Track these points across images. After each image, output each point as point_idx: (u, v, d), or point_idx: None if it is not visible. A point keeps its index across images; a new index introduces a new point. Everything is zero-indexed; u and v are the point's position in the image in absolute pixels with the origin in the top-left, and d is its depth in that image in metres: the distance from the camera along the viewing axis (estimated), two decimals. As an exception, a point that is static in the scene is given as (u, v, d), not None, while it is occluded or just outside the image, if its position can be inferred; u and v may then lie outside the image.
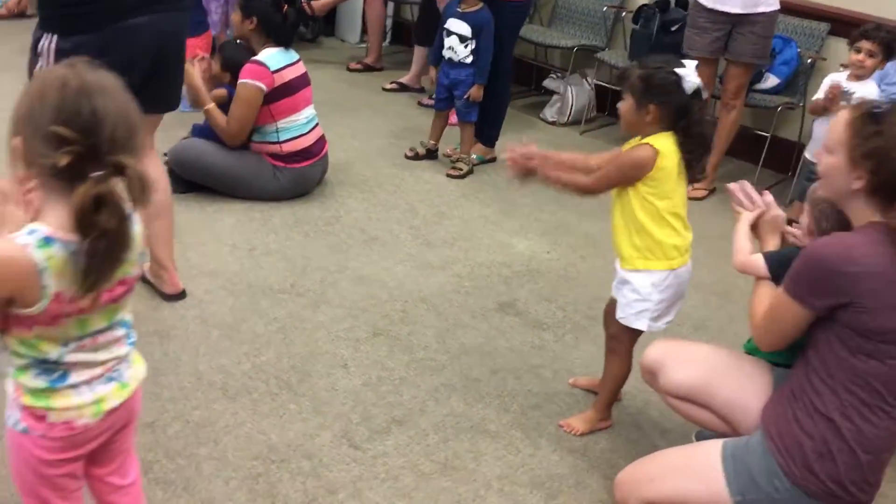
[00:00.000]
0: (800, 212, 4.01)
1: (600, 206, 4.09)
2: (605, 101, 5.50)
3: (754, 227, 2.22)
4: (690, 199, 4.43)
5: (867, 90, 3.72)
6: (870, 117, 1.83)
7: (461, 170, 4.24)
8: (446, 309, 3.05)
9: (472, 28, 3.99)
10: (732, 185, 2.28)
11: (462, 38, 4.03)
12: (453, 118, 4.44)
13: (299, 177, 3.64)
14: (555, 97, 5.33)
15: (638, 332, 2.38)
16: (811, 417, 1.89)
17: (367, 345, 2.77)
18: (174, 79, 2.57)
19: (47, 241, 1.27)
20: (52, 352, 1.36)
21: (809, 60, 4.60)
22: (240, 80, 3.41)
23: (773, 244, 2.20)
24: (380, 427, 2.39)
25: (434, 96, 5.23)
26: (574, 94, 5.27)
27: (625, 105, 2.26)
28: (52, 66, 1.34)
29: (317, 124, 3.71)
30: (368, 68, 5.81)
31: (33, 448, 1.39)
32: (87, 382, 1.40)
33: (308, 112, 3.63)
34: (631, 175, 2.24)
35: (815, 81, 4.63)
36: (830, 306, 1.83)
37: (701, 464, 2.04)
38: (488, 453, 2.35)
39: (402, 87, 5.48)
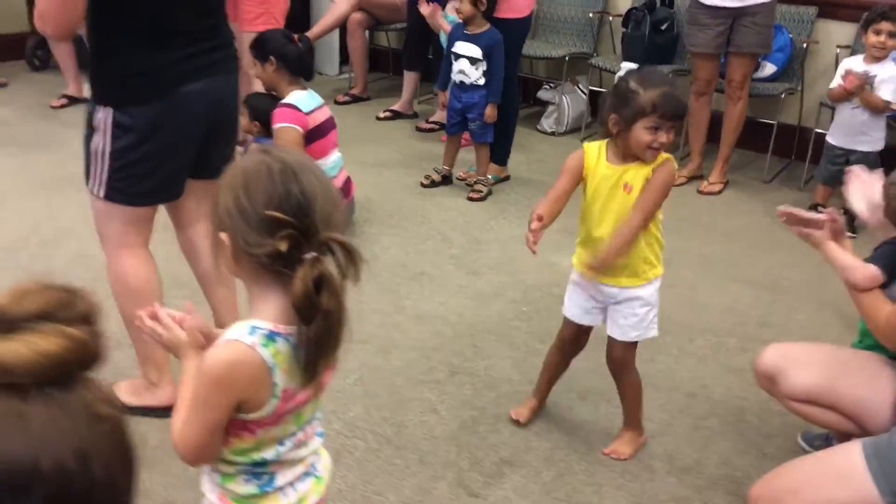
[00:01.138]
0: (824, 195, 4.11)
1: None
2: (597, 107, 5.52)
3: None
4: (706, 193, 4.55)
5: (888, 71, 3.78)
6: None
7: (482, 192, 4.20)
8: (515, 337, 2.99)
9: (483, 49, 3.95)
10: (790, 221, 2.25)
11: (473, 61, 3.99)
12: (463, 140, 4.40)
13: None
14: (550, 107, 5.33)
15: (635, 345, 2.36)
16: (955, 408, 1.88)
17: (449, 385, 2.70)
18: (229, 142, 2.49)
19: (271, 336, 1.20)
20: (270, 452, 1.28)
21: (803, 45, 4.66)
22: (276, 126, 3.31)
23: (848, 250, 2.18)
24: (491, 471, 2.32)
25: (429, 120, 5.23)
26: (569, 102, 5.27)
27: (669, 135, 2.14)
28: (243, 157, 1.28)
29: (342, 166, 3.64)
30: (356, 99, 5.74)
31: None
32: (291, 483, 1.33)
33: (336, 155, 3.56)
34: (667, 194, 2.20)
35: (810, 65, 4.72)
36: None
37: (844, 468, 2.01)
38: (606, 483, 2.30)
39: (396, 115, 5.43)
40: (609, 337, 2.33)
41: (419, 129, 5.22)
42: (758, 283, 3.47)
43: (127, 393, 2.41)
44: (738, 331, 3.11)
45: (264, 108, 3.41)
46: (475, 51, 3.97)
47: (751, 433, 2.55)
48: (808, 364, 2.17)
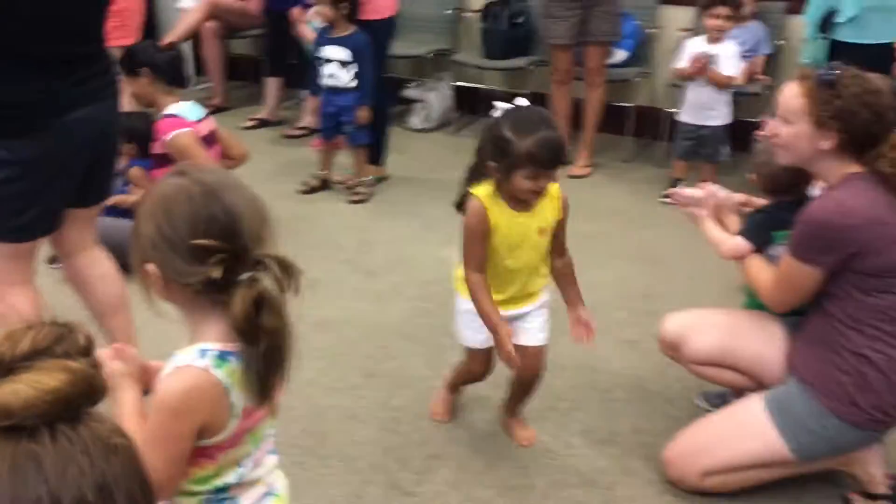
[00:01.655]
0: (682, 170, 4.38)
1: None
2: (462, 100, 5.64)
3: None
4: (574, 177, 4.74)
5: (728, 50, 4.07)
6: (824, 84, 2.02)
7: (363, 194, 4.20)
8: (421, 334, 3.02)
9: (352, 52, 3.95)
10: (677, 202, 2.43)
11: (343, 64, 3.98)
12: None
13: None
14: (418, 105, 5.39)
15: None
16: (843, 357, 2.06)
17: (364, 389, 2.70)
18: (111, 169, 2.40)
19: (222, 356, 1.18)
20: (232, 476, 1.25)
21: (650, 30, 4.94)
22: (168, 137, 3.16)
23: (734, 222, 2.37)
24: (421, 467, 2.35)
25: (296, 126, 5.17)
26: (436, 98, 5.34)
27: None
28: (161, 182, 1.22)
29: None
30: (217, 110, 5.55)
31: None
32: None
33: (220, 168, 3.45)
34: None
35: (656, 50, 5.00)
36: (839, 260, 2.00)
37: (749, 422, 2.18)
38: (531, 464, 2.38)
39: (262, 123, 5.33)
40: (523, 348, 2.21)
41: (287, 136, 5.14)
42: (637, 258, 3.66)
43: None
44: (626, 305, 3.27)
45: (139, 128, 3.26)
46: (344, 53, 3.96)
47: (654, 399, 2.70)
48: (707, 329, 2.32)
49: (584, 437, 2.50)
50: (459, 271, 2.19)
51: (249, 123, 5.29)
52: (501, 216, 2.07)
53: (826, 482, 2.30)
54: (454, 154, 4.96)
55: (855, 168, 2.03)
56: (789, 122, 2.07)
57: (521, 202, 2.06)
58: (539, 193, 2.03)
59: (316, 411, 2.58)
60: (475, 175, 2.12)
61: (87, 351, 0.76)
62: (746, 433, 2.16)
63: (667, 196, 4.23)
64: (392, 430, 2.50)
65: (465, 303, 2.21)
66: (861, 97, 1.97)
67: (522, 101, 2.04)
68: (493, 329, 2.10)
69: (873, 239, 1.97)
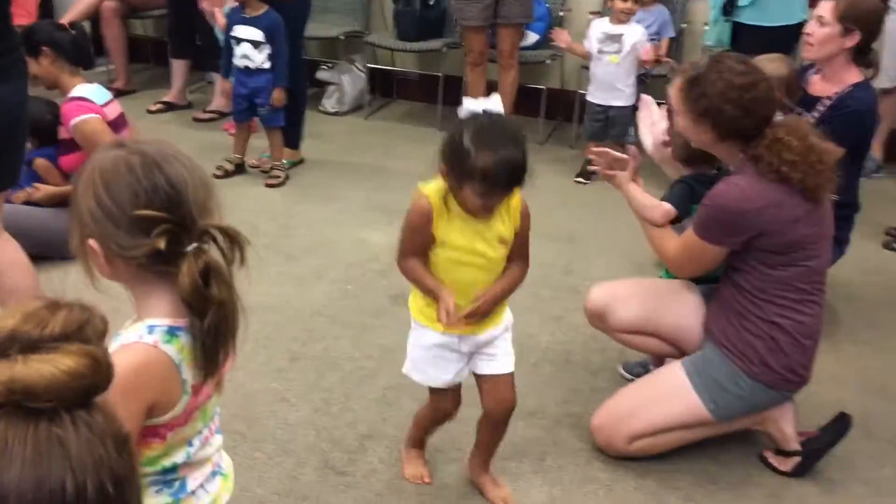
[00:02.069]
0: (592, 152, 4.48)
1: (422, 182, 4.23)
2: (376, 83, 5.61)
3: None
4: None
5: (634, 31, 4.19)
6: (691, 82, 2.12)
7: (279, 177, 4.14)
8: (346, 316, 3.01)
9: (265, 31, 3.87)
10: (597, 167, 2.49)
11: (255, 44, 3.90)
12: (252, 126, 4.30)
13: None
14: (331, 88, 5.33)
15: None
16: (755, 324, 2.17)
17: (292, 372, 2.68)
18: (20, 150, 2.29)
19: (171, 331, 1.15)
20: (180, 455, 1.22)
21: (560, 13, 5.03)
22: (73, 122, 3.02)
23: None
24: (354, 447, 2.35)
25: (206, 109, 5.04)
26: (349, 81, 5.30)
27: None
28: (98, 154, 1.17)
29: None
30: (121, 93, 5.34)
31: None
32: (202, 485, 1.29)
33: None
34: None
35: (568, 31, 5.08)
36: (742, 241, 2.11)
37: (671, 386, 2.27)
38: (462, 437, 2.39)
39: (169, 106, 5.17)
40: (493, 379, 2.03)
41: (197, 120, 5.01)
42: (555, 236, 3.73)
43: None
44: (549, 281, 3.34)
45: (39, 115, 3.08)
46: (257, 34, 3.88)
47: (579, 372, 2.77)
48: (630, 299, 2.40)
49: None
50: (414, 299, 1.99)
51: (155, 107, 5.12)
52: (452, 222, 1.84)
53: (743, 442, 2.41)
54: (368, 137, 4.95)
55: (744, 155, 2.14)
56: (678, 115, 2.18)
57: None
58: (489, 211, 1.82)
59: (245, 396, 2.54)
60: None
61: (103, 337, 0.75)
62: (668, 397, 2.25)
63: (581, 177, 4.35)
64: (323, 412, 2.49)
65: (426, 334, 1.97)
66: (725, 94, 2.05)
67: (495, 104, 1.79)
68: (433, 290, 1.89)
69: (773, 221, 2.08)
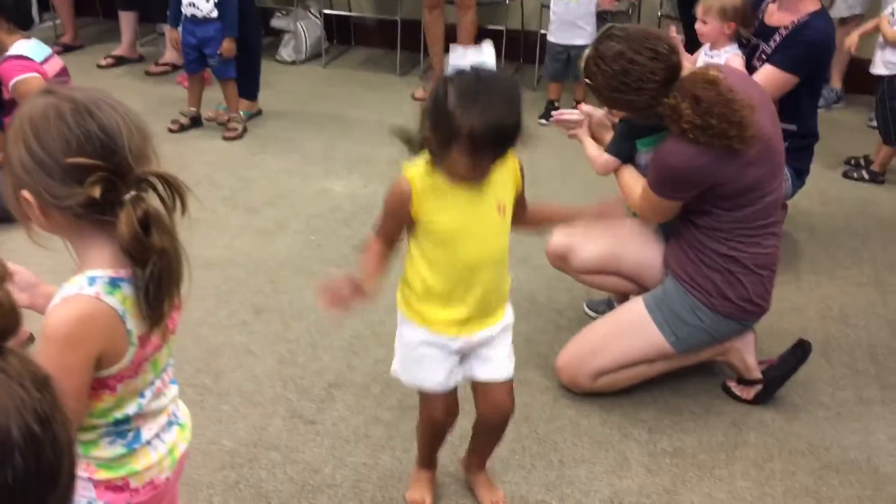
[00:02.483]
0: (556, 91, 4.45)
1: (385, 133, 4.17)
2: (333, 30, 5.50)
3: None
4: (416, 100, 4.73)
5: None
6: (585, 74, 2.17)
7: (237, 129, 4.07)
8: (310, 267, 2.99)
9: (213, -21, 3.76)
10: (555, 122, 2.49)
11: (203, -8, 3.79)
12: (205, 78, 4.20)
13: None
14: (286, 36, 5.22)
15: None
16: (713, 259, 2.19)
17: (257, 324, 2.66)
18: None
19: (113, 282, 1.12)
20: (132, 407, 1.21)
21: (518, -49, 4.93)
22: (13, 82, 2.93)
23: (608, 138, 2.44)
24: (321, 396, 2.35)
25: (159, 62, 4.92)
26: (305, 28, 5.19)
27: None
28: (26, 103, 1.13)
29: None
30: (68, 48, 5.22)
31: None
32: (157, 435, 1.27)
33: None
34: None
35: (528, -29, 5.00)
36: (698, 194, 2.12)
37: (632, 322, 2.29)
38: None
39: (120, 61, 5.04)
40: (489, 385, 1.85)
41: (149, 74, 4.89)
42: (518, 178, 3.72)
43: None
44: (512, 224, 3.33)
45: None
46: (205, -19, 3.77)
47: (545, 312, 2.78)
48: (591, 239, 2.40)
49: (479, 353, 2.56)
50: (402, 288, 1.79)
51: (105, 62, 4.98)
52: (442, 200, 1.64)
53: (705, 374, 2.45)
54: (327, 86, 4.86)
55: None
56: None
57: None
58: (480, 175, 1.63)
59: (209, 350, 2.53)
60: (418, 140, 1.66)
61: (2, 279, 0.72)
62: (630, 332, 2.27)
63: (544, 118, 4.32)
64: (289, 363, 2.49)
65: (414, 331, 1.76)
66: (609, 84, 2.09)
67: (487, 55, 1.55)
68: (361, 275, 1.70)
69: (724, 172, 2.08)
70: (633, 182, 2.30)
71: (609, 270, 2.40)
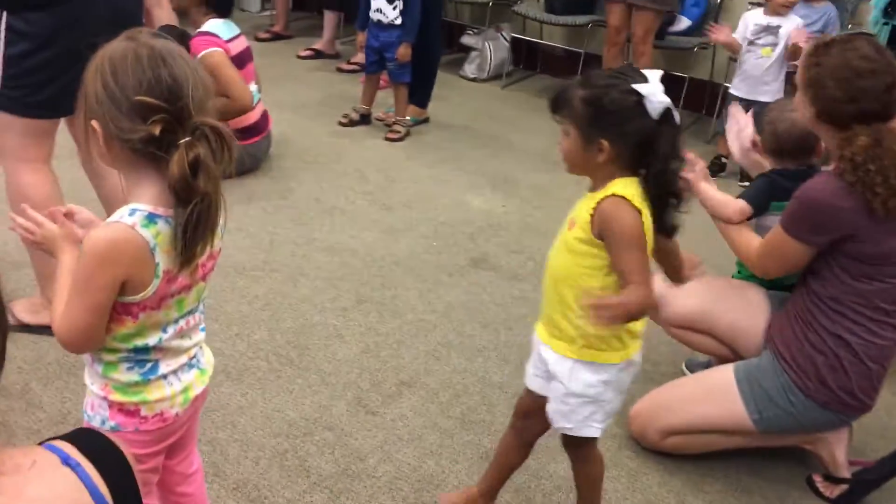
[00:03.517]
0: (725, 148, 4.27)
1: (542, 158, 4.22)
2: (521, 54, 5.59)
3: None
4: None
5: (791, 23, 3.94)
6: (815, 50, 1.95)
7: (399, 132, 4.23)
8: (422, 270, 3.06)
9: (401, -12, 3.96)
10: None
11: (390, 0, 3.98)
12: (383, 81, 4.41)
13: (248, 153, 3.54)
14: (473, 53, 5.36)
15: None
16: (821, 337, 2.02)
17: (355, 312, 2.76)
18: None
19: (151, 217, 1.23)
20: (153, 338, 1.31)
21: (718, 0, 4.80)
22: (200, 55, 3.24)
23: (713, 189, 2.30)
24: (390, 391, 2.40)
25: (351, 61, 5.21)
26: (492, 48, 5.31)
27: (567, 143, 1.59)
28: (110, 44, 1.27)
29: (260, 99, 3.61)
30: (278, 37, 5.66)
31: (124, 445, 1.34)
32: (175, 372, 1.37)
33: (253, 87, 3.52)
34: (631, 242, 1.55)
35: (724, 19, 4.84)
36: (830, 241, 1.95)
37: (716, 388, 2.16)
38: (500, 403, 2.40)
39: (318, 54, 5.39)
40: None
41: (340, 70, 5.19)
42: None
43: (24, 311, 2.40)
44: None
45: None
46: (392, -11, 3.97)
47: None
48: (689, 292, 2.28)
49: (559, 386, 2.51)
50: (579, 323, 1.60)
51: (304, 53, 5.35)
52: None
53: (794, 459, 2.27)
54: (500, 106, 4.95)
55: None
56: (798, 87, 2.02)
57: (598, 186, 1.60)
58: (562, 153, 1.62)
59: (304, 326, 2.65)
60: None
61: None
62: (710, 397, 2.15)
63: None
64: (372, 354, 2.56)
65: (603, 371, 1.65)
66: (836, 71, 1.88)
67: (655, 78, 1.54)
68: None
69: (867, 225, 1.90)
70: (748, 231, 2.17)
71: (701, 328, 2.28)
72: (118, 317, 1.28)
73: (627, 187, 1.54)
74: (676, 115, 1.54)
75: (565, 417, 1.72)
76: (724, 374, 2.17)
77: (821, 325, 2.03)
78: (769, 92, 4.06)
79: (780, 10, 3.93)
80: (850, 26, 4.53)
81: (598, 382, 1.66)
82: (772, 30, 3.93)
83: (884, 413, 2.43)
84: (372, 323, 2.72)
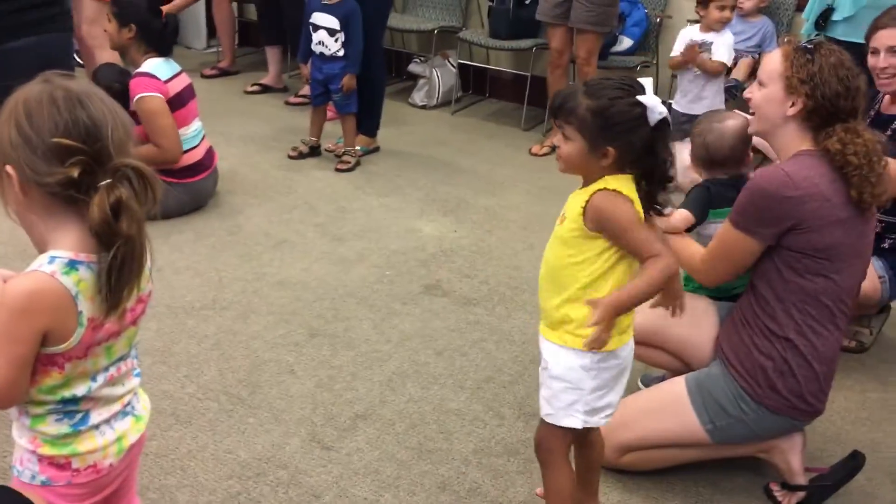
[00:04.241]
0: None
1: (491, 182, 4.24)
2: (468, 80, 5.63)
3: None
4: (532, 155, 4.70)
5: (725, 40, 4.01)
6: (804, 50, 2.02)
7: (349, 162, 4.22)
8: (375, 300, 3.04)
9: (340, 20, 3.96)
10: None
11: (331, 32, 3.99)
12: (331, 113, 4.40)
13: (194, 191, 3.50)
14: (421, 81, 5.38)
15: (571, 431, 1.82)
16: (768, 340, 2.03)
17: (307, 347, 2.72)
18: None
19: (71, 264, 1.20)
20: (81, 388, 1.27)
21: (658, 20, 4.88)
22: (136, 98, 3.21)
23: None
24: (345, 425, 2.37)
25: (298, 94, 5.20)
26: (440, 75, 5.34)
27: (570, 147, 1.66)
28: (23, 87, 1.24)
29: (204, 136, 3.58)
30: (224, 73, 5.64)
31: (56, 500, 1.29)
32: (107, 421, 1.33)
33: (197, 124, 3.50)
34: (622, 225, 1.67)
35: (664, 39, 4.93)
36: (778, 233, 1.98)
37: (669, 401, 2.16)
38: (457, 431, 2.38)
39: (265, 89, 5.37)
40: None
41: (289, 104, 5.18)
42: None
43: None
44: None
45: (109, 83, 3.21)
46: (333, 21, 3.97)
47: (596, 379, 2.67)
48: (641, 309, 2.29)
49: (516, 410, 2.50)
50: (565, 310, 1.72)
51: (251, 88, 5.33)
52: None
53: (748, 470, 2.27)
54: (449, 132, 4.97)
55: (808, 145, 2.01)
56: (764, 85, 2.07)
57: (589, 182, 1.70)
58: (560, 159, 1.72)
59: (255, 363, 2.61)
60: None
61: None
62: (663, 411, 2.15)
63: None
64: (325, 388, 2.52)
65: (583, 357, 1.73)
66: (836, 68, 1.97)
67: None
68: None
69: (813, 214, 1.94)
70: (695, 244, 2.19)
71: (654, 343, 2.28)
72: (43, 368, 1.24)
73: (619, 182, 1.66)
74: (669, 120, 1.66)
75: (548, 402, 1.80)
76: (676, 387, 2.17)
77: (766, 328, 2.04)
78: (708, 106, 4.13)
79: (715, 27, 4.01)
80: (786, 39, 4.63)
81: (578, 367, 1.74)
82: (707, 46, 4.01)
83: (838, 418, 2.45)
84: (325, 357, 2.68)
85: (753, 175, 2.06)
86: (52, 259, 1.20)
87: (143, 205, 1.21)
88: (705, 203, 2.24)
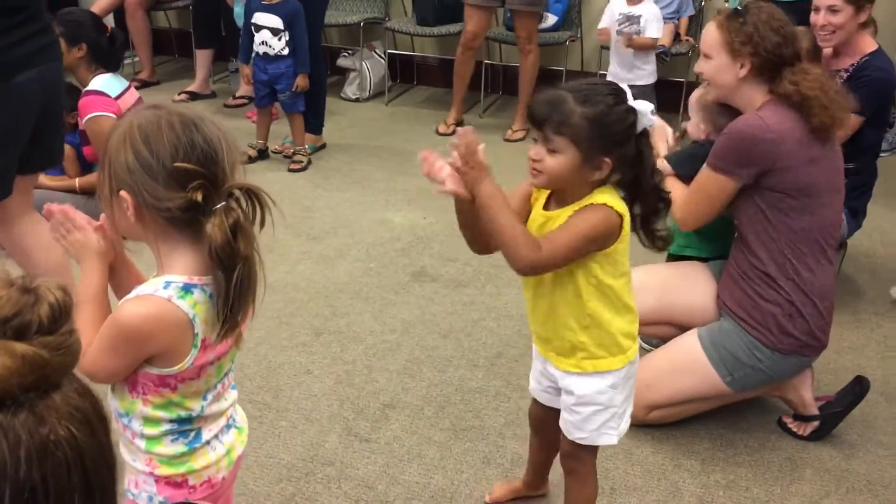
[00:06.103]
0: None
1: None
2: (396, 69, 5.66)
3: None
4: (512, 141, 4.82)
5: (649, 10, 4.19)
6: (735, 14, 2.17)
7: (302, 162, 4.20)
8: (367, 293, 3.06)
9: (284, 19, 3.93)
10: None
11: (275, 31, 3.95)
12: (273, 113, 4.36)
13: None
14: (352, 74, 5.38)
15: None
16: (771, 287, 2.17)
17: (316, 346, 2.73)
18: (58, 131, 2.36)
19: (186, 288, 1.19)
20: (196, 408, 1.28)
21: (579, -5, 5.03)
22: (87, 118, 3.10)
23: (663, 149, 2.46)
24: (376, 416, 2.40)
25: (236, 96, 5.12)
26: (370, 67, 5.35)
27: (558, 161, 1.52)
28: (133, 113, 1.22)
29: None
30: (145, 84, 5.46)
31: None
32: (216, 436, 1.33)
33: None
34: (593, 249, 1.57)
35: (587, 12, 5.09)
36: (756, 173, 2.11)
37: (689, 361, 2.27)
38: (484, 407, 2.45)
39: (193, 96, 5.25)
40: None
41: (227, 107, 5.09)
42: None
43: None
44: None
45: (68, 101, 3.14)
46: (276, 21, 3.94)
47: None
48: (641, 291, 2.35)
49: (532, 381, 2.58)
50: (574, 338, 1.65)
51: (178, 97, 5.19)
52: (535, 207, 1.68)
53: (761, 408, 2.43)
54: (389, 122, 4.99)
55: (768, 96, 2.15)
56: (710, 57, 2.20)
57: (573, 200, 1.58)
58: (534, 170, 1.57)
59: (269, 368, 2.60)
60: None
61: (49, 328, 0.70)
62: (685, 371, 2.26)
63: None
64: (345, 383, 2.55)
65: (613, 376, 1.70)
66: (768, 23, 2.12)
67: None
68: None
69: (787, 154, 2.09)
70: (678, 187, 2.25)
71: (662, 320, 2.37)
72: (156, 389, 1.24)
73: (612, 196, 1.55)
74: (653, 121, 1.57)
75: (578, 427, 1.74)
76: (691, 346, 2.26)
77: (767, 275, 2.17)
78: (643, 76, 4.31)
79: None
80: (703, 3, 4.86)
81: (607, 388, 1.69)
82: (633, 19, 4.18)
83: (833, 352, 2.63)
84: (336, 353, 2.70)
85: (732, 122, 2.17)
86: (168, 284, 1.19)
87: (253, 223, 1.22)
88: (697, 160, 2.29)
